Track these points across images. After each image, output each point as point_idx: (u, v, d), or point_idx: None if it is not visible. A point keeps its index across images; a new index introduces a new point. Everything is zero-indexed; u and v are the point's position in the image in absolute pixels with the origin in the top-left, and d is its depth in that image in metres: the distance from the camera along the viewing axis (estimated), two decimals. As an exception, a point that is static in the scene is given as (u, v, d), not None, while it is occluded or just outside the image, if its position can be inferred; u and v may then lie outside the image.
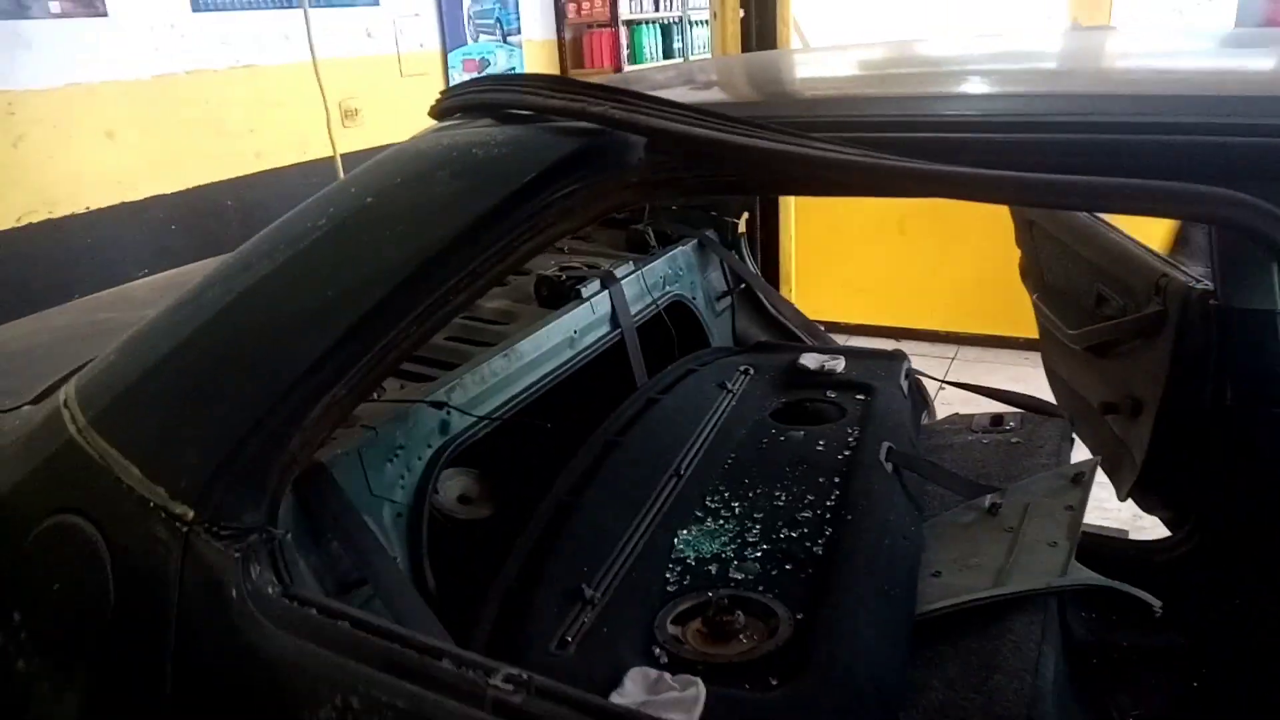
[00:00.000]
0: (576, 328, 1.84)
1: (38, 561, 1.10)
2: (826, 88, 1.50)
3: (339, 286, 1.07)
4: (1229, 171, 0.85)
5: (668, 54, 7.55)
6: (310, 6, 3.92)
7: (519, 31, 6.46)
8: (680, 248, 2.24)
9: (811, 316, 2.42)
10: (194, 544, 0.97)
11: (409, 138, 1.30)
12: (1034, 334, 2.22)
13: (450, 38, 5.80)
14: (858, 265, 4.48)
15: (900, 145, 0.93)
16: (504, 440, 1.63)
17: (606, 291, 1.93)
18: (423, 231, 1.07)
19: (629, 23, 7.21)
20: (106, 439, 1.09)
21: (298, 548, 1.04)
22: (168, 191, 4.16)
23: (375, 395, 1.38)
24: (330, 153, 4.06)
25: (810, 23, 5.22)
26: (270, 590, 0.94)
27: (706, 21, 8.16)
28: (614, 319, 1.95)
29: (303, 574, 1.01)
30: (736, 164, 1.01)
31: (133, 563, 1.01)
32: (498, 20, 6.26)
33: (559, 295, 1.87)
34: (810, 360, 2.01)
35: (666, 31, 7.69)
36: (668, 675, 1.07)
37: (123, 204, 3.99)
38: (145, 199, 4.07)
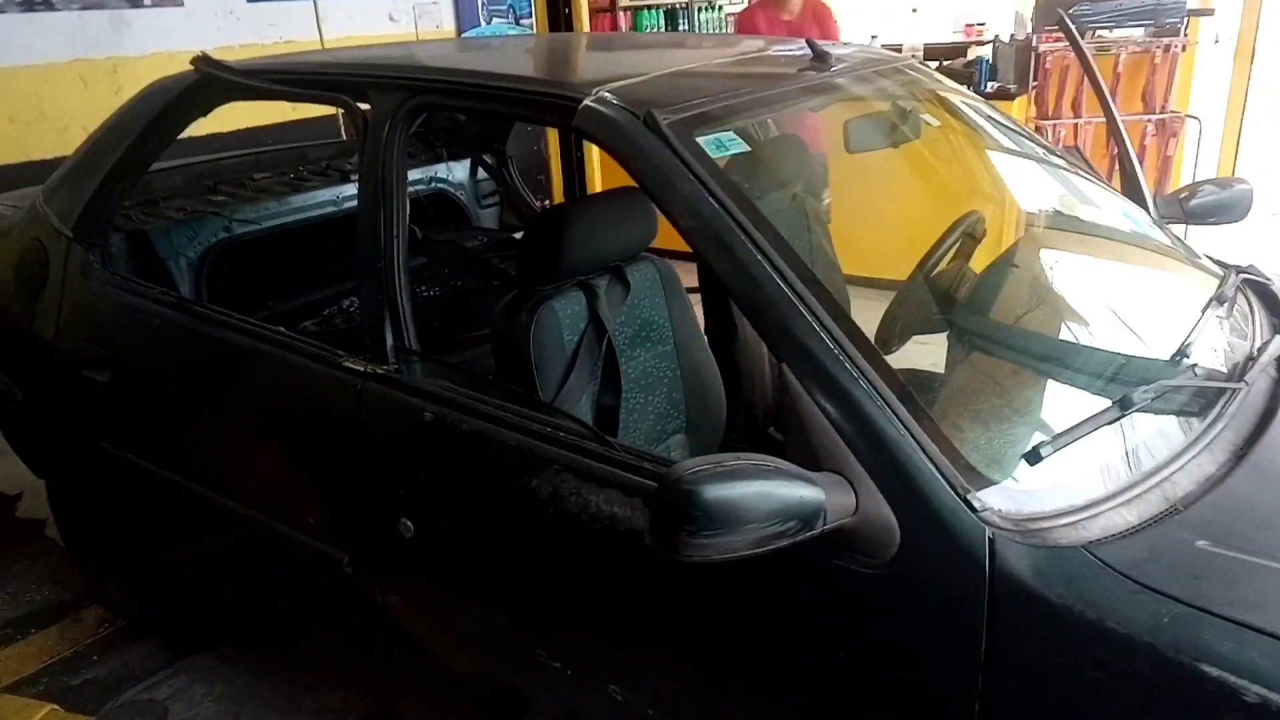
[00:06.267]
0: (341, 194, 3.16)
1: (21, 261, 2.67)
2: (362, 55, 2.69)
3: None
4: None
5: (667, 36, 8.74)
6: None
7: (530, 14, 7.80)
8: (454, 162, 3.61)
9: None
10: (72, 249, 2.49)
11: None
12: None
13: (465, 20, 7.21)
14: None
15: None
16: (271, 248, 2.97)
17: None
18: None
19: (632, 8, 8.44)
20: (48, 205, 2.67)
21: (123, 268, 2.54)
22: (225, 130, 5.74)
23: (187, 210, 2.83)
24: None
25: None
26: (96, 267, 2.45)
27: (714, 5, 9.33)
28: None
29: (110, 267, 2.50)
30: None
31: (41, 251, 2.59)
32: (510, 4, 7.62)
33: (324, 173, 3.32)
34: None
35: (672, 15, 8.89)
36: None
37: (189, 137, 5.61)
38: (207, 134, 5.66)
